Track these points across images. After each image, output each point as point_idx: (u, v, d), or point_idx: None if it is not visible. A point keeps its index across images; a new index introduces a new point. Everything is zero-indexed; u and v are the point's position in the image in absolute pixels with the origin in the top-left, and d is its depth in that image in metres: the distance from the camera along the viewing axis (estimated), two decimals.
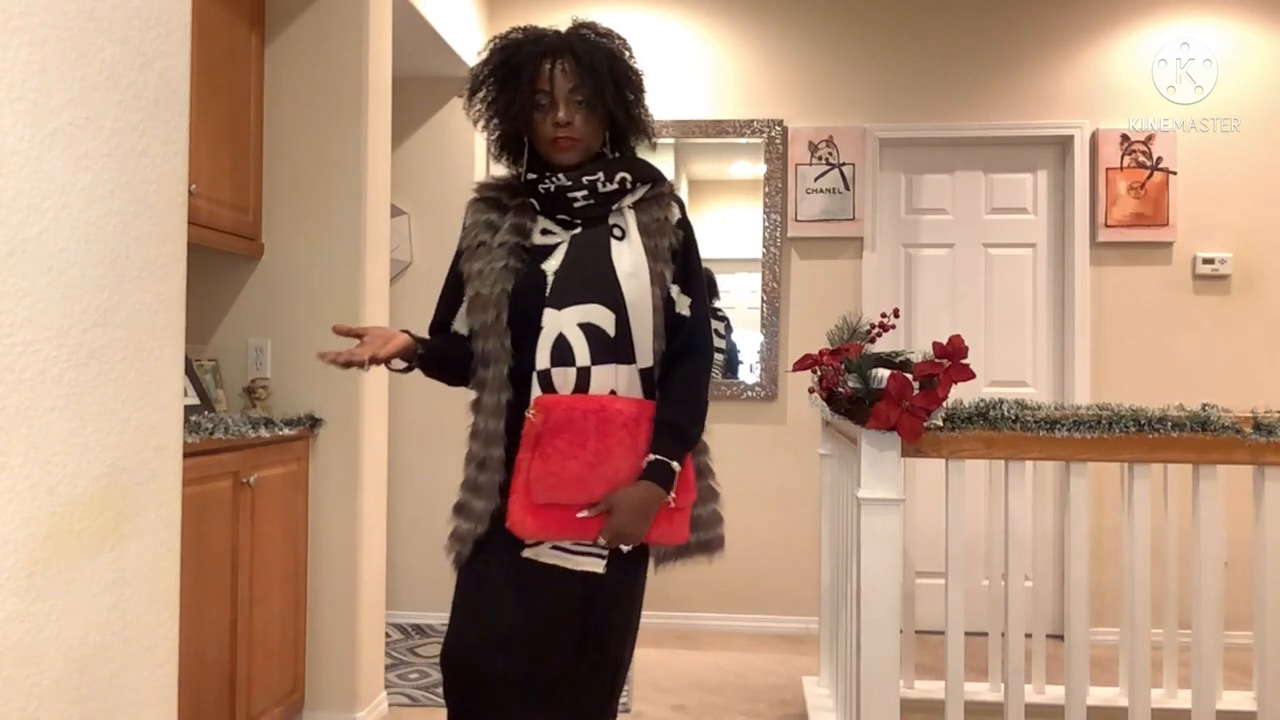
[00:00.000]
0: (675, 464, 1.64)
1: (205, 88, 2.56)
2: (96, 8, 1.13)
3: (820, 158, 4.14)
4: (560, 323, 1.64)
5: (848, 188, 4.13)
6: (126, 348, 1.19)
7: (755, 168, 4.21)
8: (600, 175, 1.70)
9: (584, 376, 1.63)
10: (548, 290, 1.66)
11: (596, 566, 1.65)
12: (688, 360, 1.72)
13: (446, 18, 3.64)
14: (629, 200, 1.74)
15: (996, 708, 2.45)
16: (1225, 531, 2.37)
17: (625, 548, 1.66)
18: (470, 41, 3.97)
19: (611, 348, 1.64)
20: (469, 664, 1.66)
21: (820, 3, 4.20)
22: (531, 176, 1.73)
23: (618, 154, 1.78)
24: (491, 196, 1.76)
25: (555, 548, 1.64)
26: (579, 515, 1.60)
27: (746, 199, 4.24)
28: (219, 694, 2.42)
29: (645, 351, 1.68)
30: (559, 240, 1.71)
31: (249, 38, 2.81)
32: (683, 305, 1.74)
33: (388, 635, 3.73)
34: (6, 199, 1.01)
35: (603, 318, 1.65)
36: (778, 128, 4.16)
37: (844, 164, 4.13)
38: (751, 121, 4.19)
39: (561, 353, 1.63)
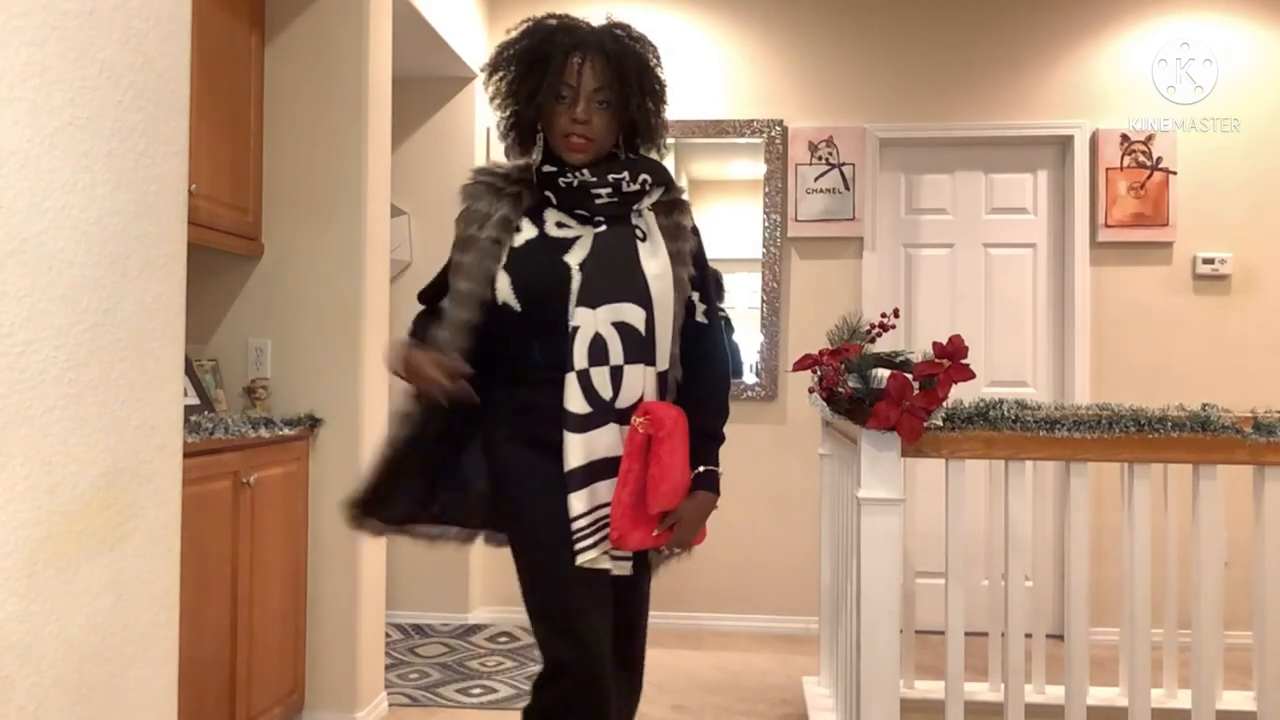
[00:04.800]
0: (719, 470, 1.76)
1: (205, 88, 2.56)
2: (96, 7, 1.13)
3: (820, 158, 4.14)
4: (595, 321, 1.62)
5: (848, 188, 4.13)
6: (126, 348, 1.19)
7: (755, 168, 4.21)
8: (625, 175, 1.69)
9: (617, 375, 1.63)
10: (574, 285, 1.64)
11: (627, 569, 1.69)
12: (713, 368, 1.79)
13: (446, 18, 3.64)
14: (648, 202, 1.74)
15: (996, 708, 2.44)
16: (1225, 531, 2.37)
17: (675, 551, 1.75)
18: (470, 41, 3.97)
19: (640, 347, 1.65)
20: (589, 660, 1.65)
21: (821, 3, 4.20)
22: (550, 169, 1.71)
23: (629, 155, 1.77)
24: (486, 181, 1.75)
25: (608, 554, 1.65)
26: (654, 533, 1.65)
27: (746, 199, 4.24)
28: (219, 694, 2.42)
29: (664, 355, 1.69)
30: (576, 234, 1.69)
31: (249, 38, 2.81)
32: (700, 313, 1.77)
33: (388, 635, 3.73)
34: (6, 199, 1.01)
35: (635, 316, 1.64)
36: (778, 128, 4.16)
37: (844, 164, 4.13)
38: (751, 121, 4.19)
39: (598, 352, 1.62)
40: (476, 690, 3.30)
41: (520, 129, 1.76)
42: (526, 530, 1.69)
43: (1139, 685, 2.15)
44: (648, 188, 1.73)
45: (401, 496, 1.78)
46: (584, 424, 1.61)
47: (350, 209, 2.90)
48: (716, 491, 1.74)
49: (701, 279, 1.78)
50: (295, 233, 2.91)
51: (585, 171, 1.68)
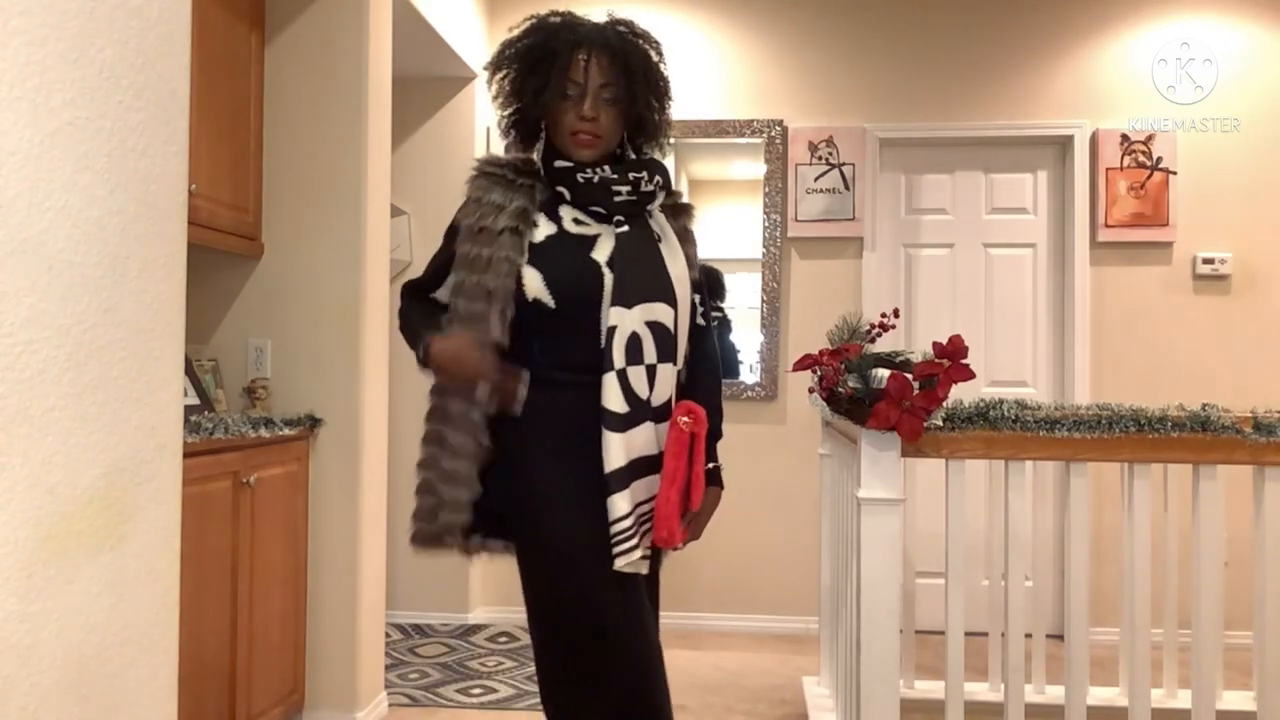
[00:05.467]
0: (722, 465, 1.80)
1: (205, 88, 2.56)
2: (96, 8, 1.13)
3: (820, 158, 4.14)
4: (631, 321, 1.62)
5: (848, 188, 4.13)
6: (126, 348, 1.19)
7: (755, 168, 4.21)
8: (644, 174, 1.70)
9: (652, 374, 1.63)
10: (606, 283, 1.64)
11: (645, 567, 1.68)
12: (714, 367, 1.83)
13: (446, 18, 3.64)
14: (658, 203, 1.76)
15: (996, 708, 2.44)
16: (1225, 531, 2.37)
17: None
18: (470, 41, 3.97)
19: (669, 346, 1.66)
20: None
21: (821, 3, 4.20)
22: (566, 164, 1.69)
23: (633, 155, 1.78)
24: (496, 173, 1.72)
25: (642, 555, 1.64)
26: (680, 528, 1.64)
27: (746, 199, 4.24)
28: (219, 694, 2.42)
29: (681, 353, 1.72)
30: (596, 232, 1.69)
31: (249, 38, 2.81)
32: (699, 314, 1.81)
33: (388, 635, 3.73)
34: (6, 199, 1.01)
35: (665, 315, 1.65)
36: (778, 128, 4.16)
37: (844, 164, 4.13)
38: (751, 121, 4.19)
39: (635, 351, 1.62)
40: (476, 690, 3.30)
41: (523, 127, 1.75)
42: (555, 552, 1.63)
43: (1139, 685, 2.15)
44: (658, 189, 1.74)
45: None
46: (625, 423, 1.60)
47: (350, 209, 2.90)
48: (722, 485, 1.78)
49: (699, 281, 1.81)
50: (295, 233, 2.91)
51: (607, 168, 1.68)
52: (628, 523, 1.58)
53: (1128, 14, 4.10)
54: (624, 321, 1.61)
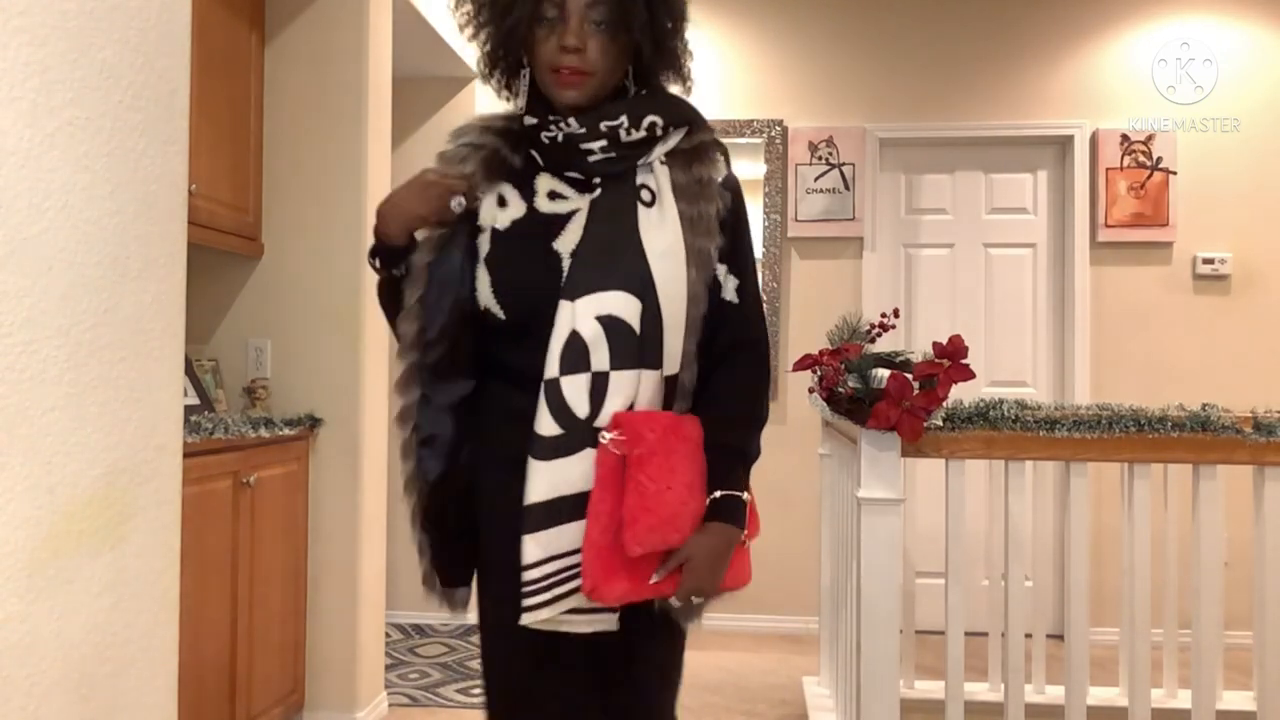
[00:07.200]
0: (745, 495, 1.32)
1: (205, 88, 2.56)
2: (96, 8, 1.13)
3: (820, 158, 4.14)
4: (574, 316, 1.24)
5: (848, 188, 4.13)
6: (126, 348, 1.19)
7: (755, 168, 4.21)
8: (623, 120, 1.30)
9: (600, 385, 1.23)
10: (565, 278, 1.27)
11: (610, 624, 1.30)
12: (742, 362, 1.35)
13: (446, 18, 3.64)
14: (660, 151, 1.34)
15: (996, 708, 2.45)
16: (1225, 531, 2.37)
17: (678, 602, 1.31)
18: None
19: (636, 348, 1.25)
20: None
21: (821, 2, 4.20)
22: (532, 121, 1.33)
23: (638, 90, 1.37)
24: (469, 143, 1.40)
25: (567, 611, 1.27)
26: (651, 581, 1.27)
27: (746, 199, 4.23)
28: (219, 694, 2.42)
29: (674, 355, 1.28)
30: (574, 207, 1.32)
31: (249, 38, 2.81)
32: (729, 289, 1.34)
33: (388, 635, 3.73)
34: (6, 199, 1.01)
35: (626, 308, 1.24)
36: (778, 128, 4.16)
37: (844, 164, 4.13)
38: (751, 121, 4.19)
39: (574, 356, 1.23)
40: (476, 690, 3.30)
41: (503, 68, 1.38)
42: (481, 577, 1.42)
43: (1139, 685, 2.15)
44: (659, 132, 1.33)
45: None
46: (552, 449, 1.23)
47: (350, 209, 2.90)
48: (738, 523, 1.30)
49: (734, 246, 1.36)
50: (295, 233, 2.91)
51: (572, 121, 1.29)
52: (533, 574, 1.24)
53: (1128, 14, 4.10)
54: (564, 319, 1.24)
